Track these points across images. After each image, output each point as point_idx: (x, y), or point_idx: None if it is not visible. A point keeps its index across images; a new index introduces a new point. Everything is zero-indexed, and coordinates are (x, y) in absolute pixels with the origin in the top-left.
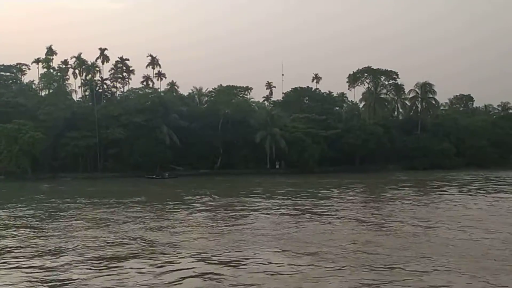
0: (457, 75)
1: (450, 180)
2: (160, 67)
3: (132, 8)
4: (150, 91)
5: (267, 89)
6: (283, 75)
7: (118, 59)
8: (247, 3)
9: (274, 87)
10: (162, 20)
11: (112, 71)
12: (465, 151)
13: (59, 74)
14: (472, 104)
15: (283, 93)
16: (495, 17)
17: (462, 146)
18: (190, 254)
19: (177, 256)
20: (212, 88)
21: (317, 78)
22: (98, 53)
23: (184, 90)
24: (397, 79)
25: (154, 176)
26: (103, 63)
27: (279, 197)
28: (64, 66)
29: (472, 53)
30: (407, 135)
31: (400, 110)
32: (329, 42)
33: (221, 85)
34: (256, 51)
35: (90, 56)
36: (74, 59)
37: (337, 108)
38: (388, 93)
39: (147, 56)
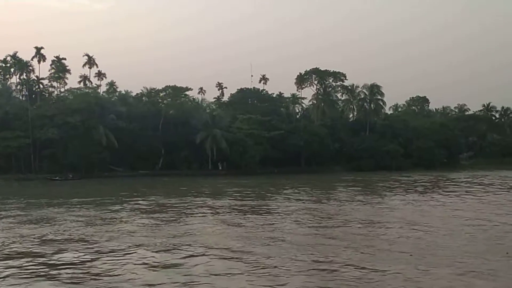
0: (416, 79)
1: (387, 180)
2: (97, 67)
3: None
4: (89, 91)
5: (218, 89)
6: (252, 76)
7: (55, 58)
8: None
9: (225, 87)
10: (117, 21)
11: (53, 70)
12: (413, 152)
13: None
14: (428, 105)
15: (230, 94)
16: (453, 26)
17: (410, 147)
18: (124, 247)
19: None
20: (150, 88)
21: (264, 79)
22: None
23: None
24: (345, 81)
25: (57, 178)
26: (39, 62)
27: (218, 197)
28: (4, 65)
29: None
30: (357, 136)
31: (355, 111)
32: (285, 46)
33: (173, 85)
34: (212, 55)
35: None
36: (9, 58)
37: (285, 110)
38: (342, 94)
39: (83, 56)
